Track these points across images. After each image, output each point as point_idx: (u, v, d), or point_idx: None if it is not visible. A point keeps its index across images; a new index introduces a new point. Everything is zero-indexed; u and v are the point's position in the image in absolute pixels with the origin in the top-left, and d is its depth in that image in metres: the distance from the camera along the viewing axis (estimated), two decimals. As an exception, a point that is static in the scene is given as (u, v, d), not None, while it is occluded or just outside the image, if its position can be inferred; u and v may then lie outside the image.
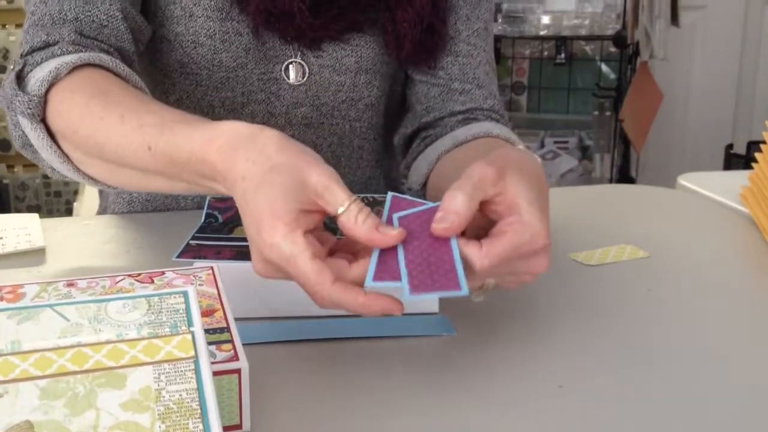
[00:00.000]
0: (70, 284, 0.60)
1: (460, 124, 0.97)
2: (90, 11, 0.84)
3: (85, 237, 0.90)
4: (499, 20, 2.95)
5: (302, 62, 0.96)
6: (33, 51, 0.82)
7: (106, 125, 0.72)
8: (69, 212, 2.99)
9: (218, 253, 0.71)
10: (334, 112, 0.99)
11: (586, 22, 2.90)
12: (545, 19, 2.93)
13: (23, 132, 0.80)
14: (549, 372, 0.63)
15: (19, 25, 2.98)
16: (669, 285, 0.80)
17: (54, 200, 3.14)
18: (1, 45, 2.98)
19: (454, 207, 0.59)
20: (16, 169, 3.10)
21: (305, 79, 0.96)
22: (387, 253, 0.59)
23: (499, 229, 0.61)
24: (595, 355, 0.66)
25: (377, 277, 0.58)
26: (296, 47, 0.95)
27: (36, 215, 0.95)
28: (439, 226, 0.59)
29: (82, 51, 0.80)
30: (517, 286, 0.64)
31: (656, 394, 0.60)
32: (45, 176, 3.05)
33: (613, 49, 2.98)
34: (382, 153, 1.06)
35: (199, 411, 0.42)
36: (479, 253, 0.59)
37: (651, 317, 0.73)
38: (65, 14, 0.84)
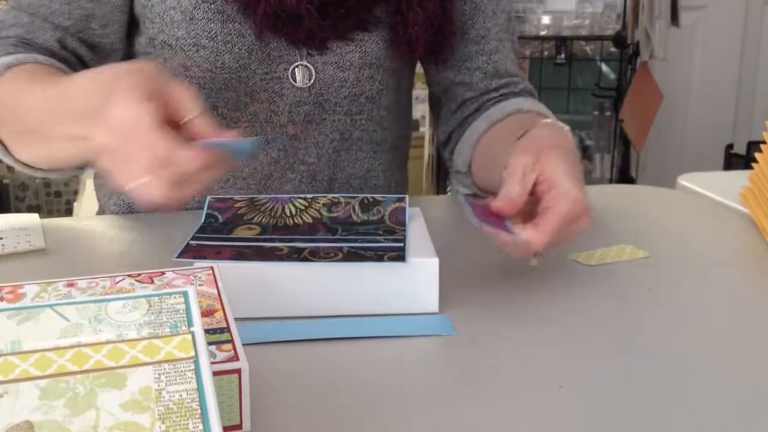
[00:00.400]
0: (70, 284, 0.60)
1: (494, 102, 1.03)
2: (29, 37, 0.93)
3: (85, 237, 0.91)
4: (500, 20, 2.95)
5: (309, 65, 0.96)
6: None
7: (23, 96, 0.81)
8: (69, 212, 2.99)
9: (218, 254, 0.71)
10: (337, 108, 0.99)
11: (587, 22, 2.90)
12: (545, 19, 2.93)
13: None
14: (549, 372, 0.63)
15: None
16: (669, 285, 0.80)
17: (54, 200, 3.14)
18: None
19: (510, 195, 0.72)
20: (16, 170, 3.10)
21: (312, 81, 0.97)
22: None
23: (545, 204, 0.71)
24: (595, 355, 0.66)
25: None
26: (302, 49, 0.96)
27: (36, 215, 0.95)
28: (497, 204, 0.71)
29: (20, 52, 0.89)
30: (566, 243, 0.74)
31: (656, 395, 0.60)
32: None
33: (613, 49, 2.98)
34: (381, 145, 1.06)
35: (199, 411, 0.42)
36: (537, 232, 0.70)
37: (651, 317, 0.73)
38: (8, 35, 0.93)
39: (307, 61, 0.96)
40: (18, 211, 3.04)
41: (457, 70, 1.04)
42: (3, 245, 0.86)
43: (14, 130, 0.85)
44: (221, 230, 0.77)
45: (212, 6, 0.92)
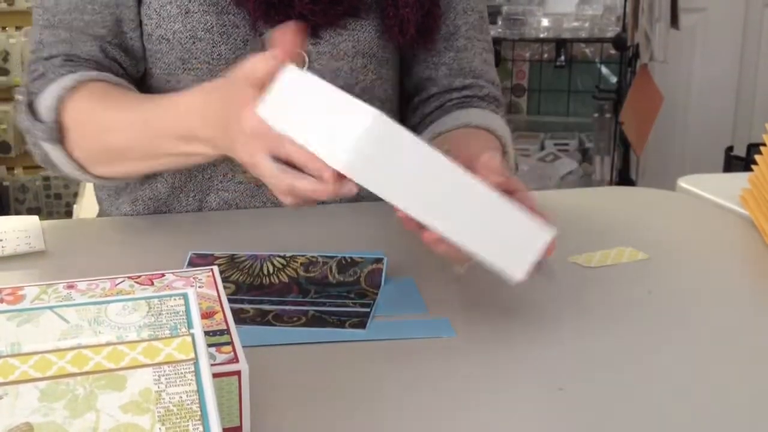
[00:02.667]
0: (70, 286, 0.60)
1: (454, 104, 1.03)
2: (74, 52, 0.94)
3: (84, 239, 0.90)
4: (499, 23, 2.95)
5: (301, 52, 0.97)
6: (33, 81, 0.93)
7: (101, 119, 0.86)
8: (69, 214, 2.99)
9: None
10: None
11: (586, 24, 2.90)
12: (545, 22, 2.93)
13: (44, 151, 0.91)
14: (549, 374, 0.63)
15: (19, 28, 2.98)
16: (669, 287, 0.80)
17: (54, 202, 3.14)
18: (1, 47, 2.98)
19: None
20: (16, 171, 3.10)
21: (304, 68, 0.97)
22: None
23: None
24: (595, 356, 0.66)
25: None
26: None
27: (36, 217, 0.95)
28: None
29: (73, 72, 0.91)
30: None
31: (656, 396, 0.60)
32: (45, 178, 3.05)
33: (613, 52, 2.98)
34: None
35: (199, 413, 0.42)
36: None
37: (651, 319, 0.73)
38: (50, 53, 0.94)
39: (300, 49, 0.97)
40: (18, 213, 3.04)
41: (424, 65, 1.05)
42: (3, 247, 0.86)
43: (96, 149, 0.89)
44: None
45: None
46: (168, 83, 0.98)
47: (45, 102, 0.89)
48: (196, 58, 0.95)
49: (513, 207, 0.65)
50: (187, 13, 0.94)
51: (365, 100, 1.01)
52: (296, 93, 0.66)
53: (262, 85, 0.69)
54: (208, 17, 0.94)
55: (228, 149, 0.75)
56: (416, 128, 1.06)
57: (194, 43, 0.95)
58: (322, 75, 0.98)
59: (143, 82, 1.00)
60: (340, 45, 0.98)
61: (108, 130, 0.86)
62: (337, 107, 0.64)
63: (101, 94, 0.89)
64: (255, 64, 0.70)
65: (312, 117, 0.65)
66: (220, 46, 0.95)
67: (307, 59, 0.86)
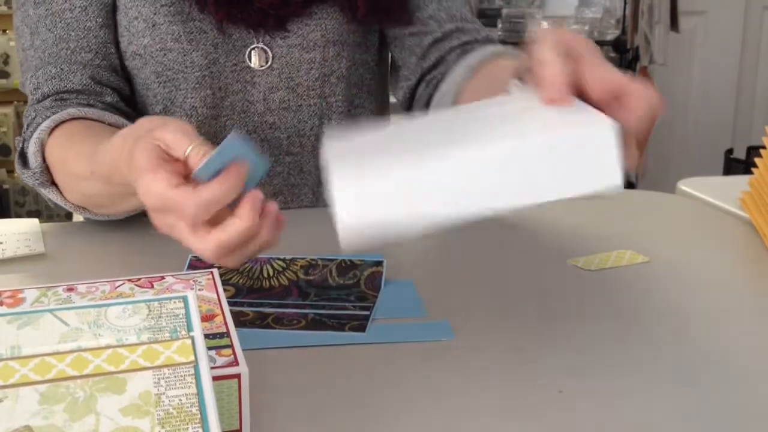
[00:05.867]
0: (70, 289, 0.60)
1: (460, 55, 1.00)
2: (64, 86, 0.94)
3: (84, 242, 0.91)
4: (499, 25, 2.96)
5: (264, 47, 0.97)
6: (27, 127, 0.93)
7: (69, 166, 0.84)
8: (69, 217, 2.99)
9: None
10: (310, 92, 1.00)
11: (586, 27, 2.90)
12: (545, 25, 2.93)
13: (48, 197, 0.91)
14: (549, 377, 0.63)
15: (19, 31, 2.99)
16: (669, 290, 0.80)
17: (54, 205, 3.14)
18: (1, 50, 2.98)
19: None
20: (16, 174, 3.10)
21: (269, 63, 0.98)
22: None
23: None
24: (595, 359, 0.66)
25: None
26: (261, 32, 0.97)
27: (36, 220, 0.95)
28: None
29: (56, 112, 0.89)
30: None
31: (656, 399, 0.60)
32: (45, 181, 3.05)
33: (612, 55, 2.98)
34: (357, 124, 1.06)
35: (198, 416, 0.42)
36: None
37: (651, 322, 0.73)
38: (44, 93, 0.94)
39: (263, 44, 0.97)
40: (18, 216, 3.04)
41: (408, 21, 1.03)
42: (3, 250, 0.86)
43: (78, 196, 0.87)
44: None
45: (171, 9, 0.94)
46: (147, 98, 0.99)
47: (31, 148, 0.89)
48: (170, 69, 0.96)
49: (554, 133, 0.58)
50: (154, 25, 0.94)
51: (343, 88, 1.01)
52: None
53: (169, 162, 0.65)
54: (174, 27, 0.94)
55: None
56: (418, 86, 1.04)
57: (165, 54, 0.95)
58: (296, 68, 0.99)
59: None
60: (309, 36, 0.98)
61: (75, 179, 0.85)
62: None
63: (70, 138, 0.86)
64: (174, 139, 0.66)
65: None
66: (191, 53, 0.95)
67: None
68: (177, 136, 0.66)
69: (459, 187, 0.58)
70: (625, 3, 2.78)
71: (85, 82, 0.94)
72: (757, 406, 0.60)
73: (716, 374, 0.64)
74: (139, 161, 0.65)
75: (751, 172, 0.98)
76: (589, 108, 0.61)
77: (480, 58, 0.94)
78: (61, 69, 0.94)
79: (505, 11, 2.96)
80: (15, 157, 0.92)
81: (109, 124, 0.89)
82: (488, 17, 2.94)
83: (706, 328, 0.72)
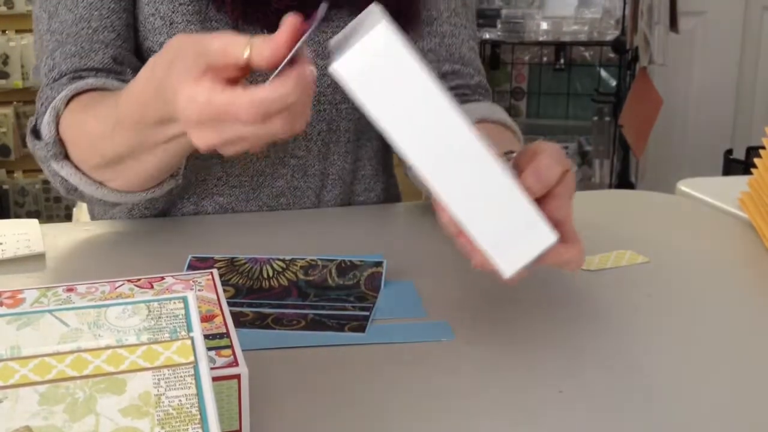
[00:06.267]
0: (70, 289, 0.60)
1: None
2: (83, 64, 0.91)
3: (84, 242, 0.90)
4: (499, 26, 2.96)
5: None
6: (41, 106, 0.90)
7: (89, 127, 0.81)
8: (68, 218, 2.99)
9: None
10: (321, 98, 1.00)
11: (586, 27, 2.90)
12: (544, 25, 2.93)
13: (61, 176, 0.87)
14: (548, 377, 0.63)
15: (19, 31, 2.99)
16: (669, 290, 0.80)
17: (53, 206, 3.14)
18: (1, 51, 2.98)
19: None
20: (15, 175, 3.10)
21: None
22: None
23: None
24: (595, 360, 0.66)
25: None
26: None
27: (36, 221, 0.95)
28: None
29: (72, 84, 0.87)
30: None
31: (656, 399, 0.60)
32: (45, 182, 3.05)
33: (612, 55, 2.99)
34: (365, 132, 1.06)
35: (198, 417, 0.42)
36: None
37: (651, 322, 0.73)
38: (60, 71, 0.91)
39: None
40: (18, 216, 3.04)
41: (420, 34, 1.03)
42: (3, 250, 0.86)
43: (96, 162, 0.83)
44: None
45: (189, 8, 0.93)
46: None
47: (45, 118, 0.86)
48: None
49: (523, 197, 0.61)
50: (171, 24, 0.94)
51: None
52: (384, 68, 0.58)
53: (216, 70, 0.61)
54: (192, 27, 0.94)
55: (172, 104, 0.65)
56: None
57: None
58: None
59: None
60: (325, 43, 0.97)
61: (97, 139, 0.81)
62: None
63: (87, 104, 0.85)
64: (225, 47, 0.61)
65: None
66: None
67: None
68: (226, 39, 0.61)
69: (445, 153, 0.59)
70: (625, 3, 2.78)
71: (106, 60, 0.92)
72: (757, 405, 0.60)
73: (716, 375, 0.64)
74: (179, 72, 0.61)
75: (750, 173, 0.99)
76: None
77: (470, 118, 0.95)
78: (81, 47, 0.91)
79: (504, 11, 2.96)
80: (27, 132, 0.88)
81: None
82: (487, 17, 2.94)
83: (705, 329, 0.72)
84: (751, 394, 0.62)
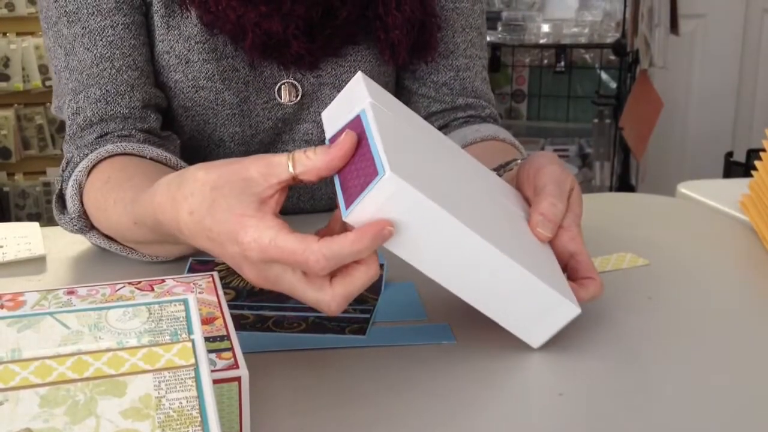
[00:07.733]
0: (71, 292, 0.60)
1: (460, 123, 1.03)
2: (110, 110, 0.89)
3: (85, 245, 0.91)
4: (499, 28, 2.96)
5: (295, 82, 0.96)
6: (66, 166, 0.88)
7: (109, 214, 0.79)
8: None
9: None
10: None
11: (586, 30, 2.91)
12: (545, 28, 2.93)
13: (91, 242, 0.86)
14: (549, 380, 0.63)
15: (20, 34, 2.99)
16: (669, 293, 0.80)
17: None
18: (1, 53, 2.98)
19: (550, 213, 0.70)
20: (16, 177, 3.10)
21: (299, 98, 0.97)
22: (344, 178, 0.61)
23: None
24: (596, 362, 0.66)
25: (348, 202, 0.58)
26: (293, 69, 0.96)
27: (36, 223, 0.95)
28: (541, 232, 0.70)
29: (93, 151, 0.85)
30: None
31: (656, 402, 0.60)
32: (45, 184, 3.05)
33: (612, 57, 2.99)
34: None
35: (199, 419, 0.42)
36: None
37: (651, 325, 0.73)
38: (86, 118, 0.89)
39: (294, 79, 0.96)
40: (18, 218, 3.04)
41: (421, 81, 1.03)
42: (4, 253, 0.86)
43: (120, 238, 0.83)
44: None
45: (205, 46, 0.92)
46: (171, 126, 0.95)
47: (69, 191, 0.84)
48: (199, 105, 0.94)
49: (545, 284, 0.64)
50: (187, 63, 0.92)
51: None
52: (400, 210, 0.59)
53: (265, 200, 0.60)
54: (208, 65, 0.92)
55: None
56: None
57: (197, 92, 0.93)
58: (325, 104, 0.96)
59: None
60: (342, 76, 0.97)
61: (120, 228, 0.79)
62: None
63: (109, 180, 0.81)
64: (265, 174, 0.60)
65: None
66: (223, 92, 0.93)
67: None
68: (261, 163, 0.60)
69: (464, 264, 0.63)
70: (625, 6, 2.78)
71: (133, 105, 0.89)
72: (757, 405, 0.60)
73: (717, 376, 0.64)
74: (234, 209, 0.59)
75: (751, 175, 0.99)
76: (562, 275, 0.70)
77: (478, 136, 0.97)
78: (107, 90, 0.89)
79: (505, 14, 2.96)
80: (53, 200, 0.86)
81: (150, 159, 0.84)
82: (488, 20, 2.93)
83: (706, 331, 0.72)
84: (752, 395, 0.62)
